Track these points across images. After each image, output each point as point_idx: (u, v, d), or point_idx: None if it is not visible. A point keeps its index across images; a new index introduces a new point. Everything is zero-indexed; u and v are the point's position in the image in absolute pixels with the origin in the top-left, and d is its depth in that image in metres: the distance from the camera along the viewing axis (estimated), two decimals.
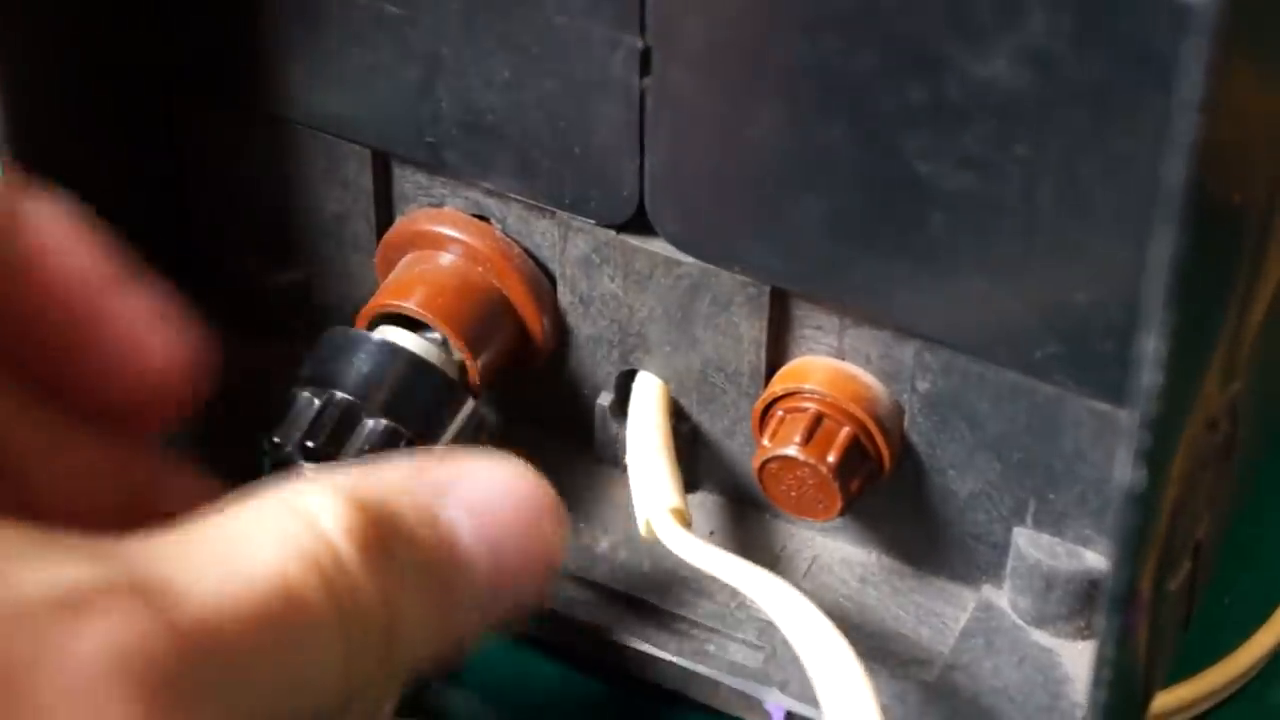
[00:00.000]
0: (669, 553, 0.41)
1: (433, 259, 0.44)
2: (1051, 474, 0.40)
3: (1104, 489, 0.40)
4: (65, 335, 0.38)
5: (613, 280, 0.42)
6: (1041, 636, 0.42)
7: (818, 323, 0.41)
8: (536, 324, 0.44)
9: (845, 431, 0.41)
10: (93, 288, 0.38)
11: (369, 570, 0.34)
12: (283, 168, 0.45)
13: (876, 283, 0.39)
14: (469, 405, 0.42)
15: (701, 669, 0.43)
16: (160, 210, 0.47)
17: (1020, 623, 0.42)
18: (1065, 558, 0.41)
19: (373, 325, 0.43)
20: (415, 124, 0.42)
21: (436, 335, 0.43)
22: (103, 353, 0.38)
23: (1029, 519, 0.41)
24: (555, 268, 0.43)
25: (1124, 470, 0.33)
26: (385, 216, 0.45)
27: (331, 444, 0.41)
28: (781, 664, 0.42)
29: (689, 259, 0.41)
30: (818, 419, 0.41)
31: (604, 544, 0.45)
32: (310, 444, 0.41)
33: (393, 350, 0.42)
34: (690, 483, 0.44)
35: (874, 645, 0.42)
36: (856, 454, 0.41)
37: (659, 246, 0.41)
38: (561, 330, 0.44)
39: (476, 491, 0.36)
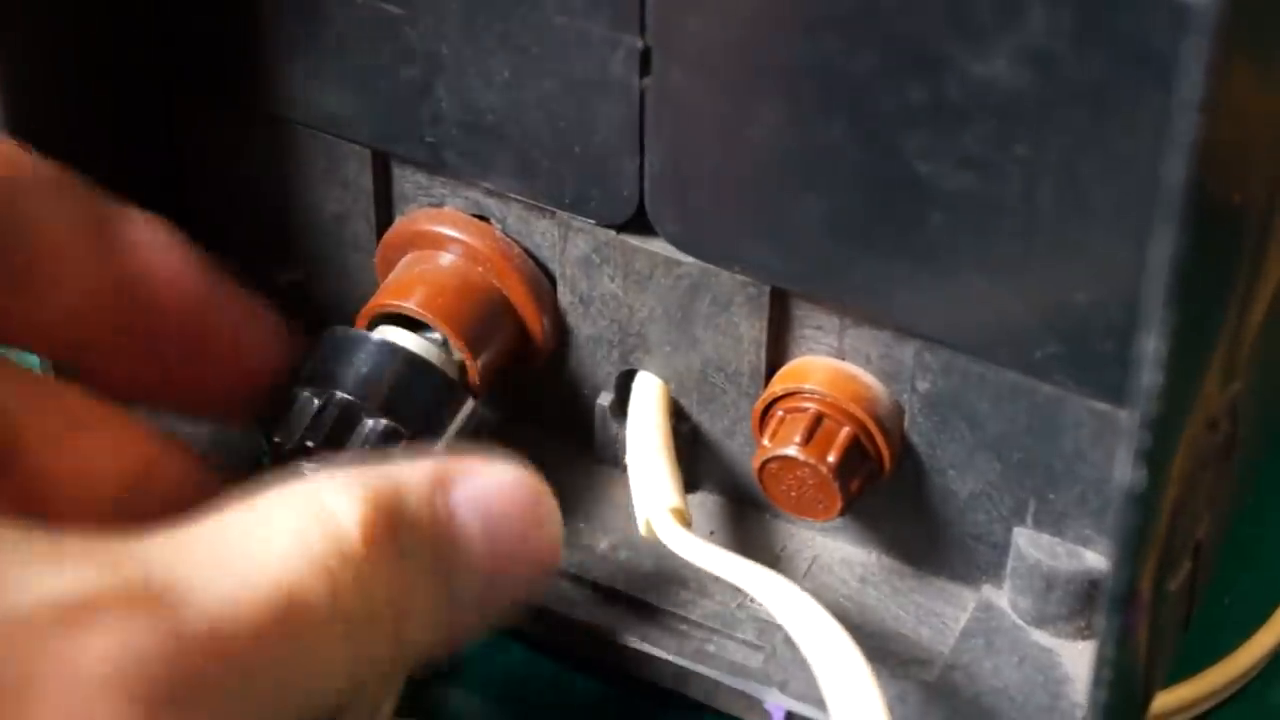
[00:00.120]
0: (669, 553, 0.41)
1: (433, 259, 0.44)
2: (1051, 474, 0.40)
3: (1104, 489, 0.40)
4: (179, 342, 0.39)
5: (613, 280, 0.42)
6: (1041, 636, 0.42)
7: (818, 323, 0.41)
8: (536, 324, 0.44)
9: (845, 431, 0.41)
10: (200, 297, 0.40)
11: (380, 567, 0.34)
12: (283, 168, 0.45)
13: (876, 283, 0.39)
14: (469, 405, 0.42)
15: (701, 669, 0.43)
16: (160, 210, 0.47)
17: (1020, 623, 0.42)
18: (1065, 558, 0.41)
19: (373, 325, 0.43)
20: (415, 124, 0.42)
21: (437, 335, 0.43)
22: (211, 355, 0.40)
23: (1029, 519, 0.41)
24: (555, 268, 0.43)
25: (1124, 470, 0.33)
26: (385, 216, 0.45)
27: (331, 443, 0.41)
28: (781, 664, 0.42)
29: (689, 259, 0.41)
30: (818, 419, 0.41)
31: (604, 544, 0.45)
32: (310, 443, 0.41)
33: (392, 350, 0.42)
34: (690, 483, 0.44)
35: (874, 645, 0.42)
36: (856, 454, 0.41)
37: (659, 246, 0.41)
38: (561, 330, 0.44)
39: (480, 490, 0.36)
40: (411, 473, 0.35)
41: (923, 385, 0.40)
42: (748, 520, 0.45)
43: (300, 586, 0.32)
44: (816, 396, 0.41)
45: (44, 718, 0.29)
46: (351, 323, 0.44)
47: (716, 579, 0.41)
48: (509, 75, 0.40)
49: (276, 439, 0.42)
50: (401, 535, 0.34)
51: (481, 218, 0.43)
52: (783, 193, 0.38)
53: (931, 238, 0.37)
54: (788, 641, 0.39)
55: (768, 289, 0.41)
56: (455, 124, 0.41)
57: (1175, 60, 0.29)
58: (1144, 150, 0.34)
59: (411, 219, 0.44)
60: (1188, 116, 0.29)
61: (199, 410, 0.41)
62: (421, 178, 0.44)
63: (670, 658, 0.43)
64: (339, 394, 0.41)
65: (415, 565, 0.34)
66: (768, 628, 0.42)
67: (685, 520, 0.42)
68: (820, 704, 0.37)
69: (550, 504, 0.37)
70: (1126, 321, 0.35)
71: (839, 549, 0.44)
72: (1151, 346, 0.31)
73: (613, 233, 0.42)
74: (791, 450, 0.41)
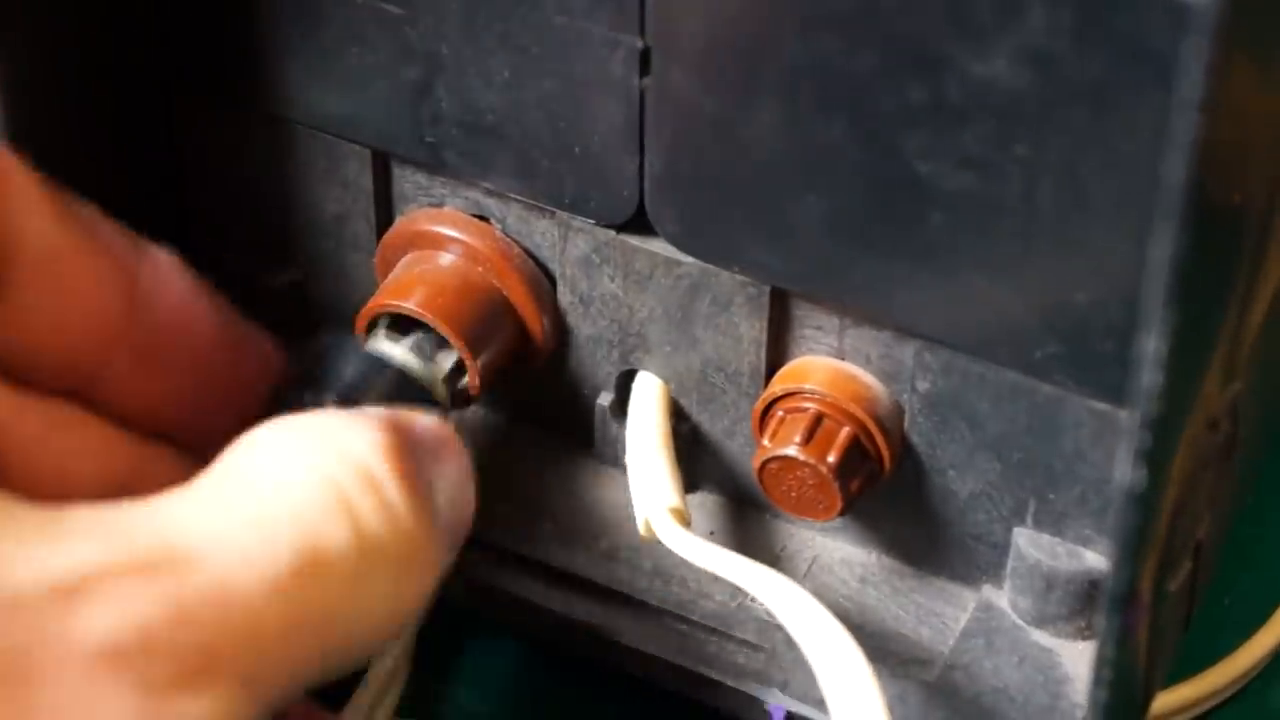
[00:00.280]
0: (669, 553, 0.41)
1: (433, 259, 0.44)
2: (1051, 474, 0.40)
3: (1104, 489, 0.40)
4: (187, 373, 0.39)
5: (613, 280, 0.42)
6: (1042, 636, 0.42)
7: (818, 323, 0.41)
8: (536, 324, 0.44)
9: (845, 431, 0.41)
10: (209, 328, 0.39)
11: (404, 489, 0.33)
12: (283, 168, 0.45)
13: (876, 283, 0.39)
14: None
15: (701, 669, 0.43)
16: (160, 210, 0.47)
17: (1020, 623, 0.42)
18: (1065, 558, 0.41)
19: (372, 325, 0.43)
20: (415, 124, 0.42)
21: (421, 342, 0.42)
22: (218, 387, 0.39)
23: (1029, 519, 0.41)
24: (555, 268, 0.43)
25: (1124, 470, 0.33)
26: (385, 216, 0.45)
27: None
28: (781, 664, 0.42)
29: (689, 259, 0.41)
30: (818, 419, 0.41)
31: (604, 544, 0.45)
32: None
33: (372, 361, 0.41)
34: (690, 483, 0.44)
35: (874, 645, 0.42)
36: (856, 454, 0.41)
37: (659, 246, 0.41)
38: (561, 330, 0.44)
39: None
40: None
41: (923, 385, 0.40)
42: (748, 520, 0.45)
43: (322, 531, 0.31)
44: (816, 396, 0.41)
45: (41, 698, 0.28)
46: (352, 323, 0.44)
47: (716, 579, 0.41)
48: (509, 75, 0.40)
49: None
50: (418, 455, 0.34)
51: (481, 218, 0.43)
52: (783, 193, 0.38)
53: (931, 238, 0.37)
54: (788, 641, 0.39)
55: (768, 289, 0.41)
56: (455, 124, 0.41)
57: (1175, 60, 0.29)
58: (1144, 150, 0.34)
59: (411, 219, 0.44)
60: (1188, 116, 0.29)
61: (200, 440, 0.39)
62: (421, 178, 0.44)
63: (670, 658, 0.43)
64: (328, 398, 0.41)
65: (433, 486, 0.34)
66: (768, 628, 0.42)
67: (685, 520, 0.42)
68: (820, 704, 0.38)
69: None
70: (1126, 321, 0.35)
71: (839, 549, 0.44)
72: (1151, 346, 0.31)
73: (613, 233, 0.42)
74: (791, 450, 0.41)
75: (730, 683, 0.43)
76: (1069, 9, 0.33)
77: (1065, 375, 0.38)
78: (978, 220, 0.37)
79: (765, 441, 0.41)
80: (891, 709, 0.36)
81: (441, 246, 0.43)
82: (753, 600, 0.43)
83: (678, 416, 0.44)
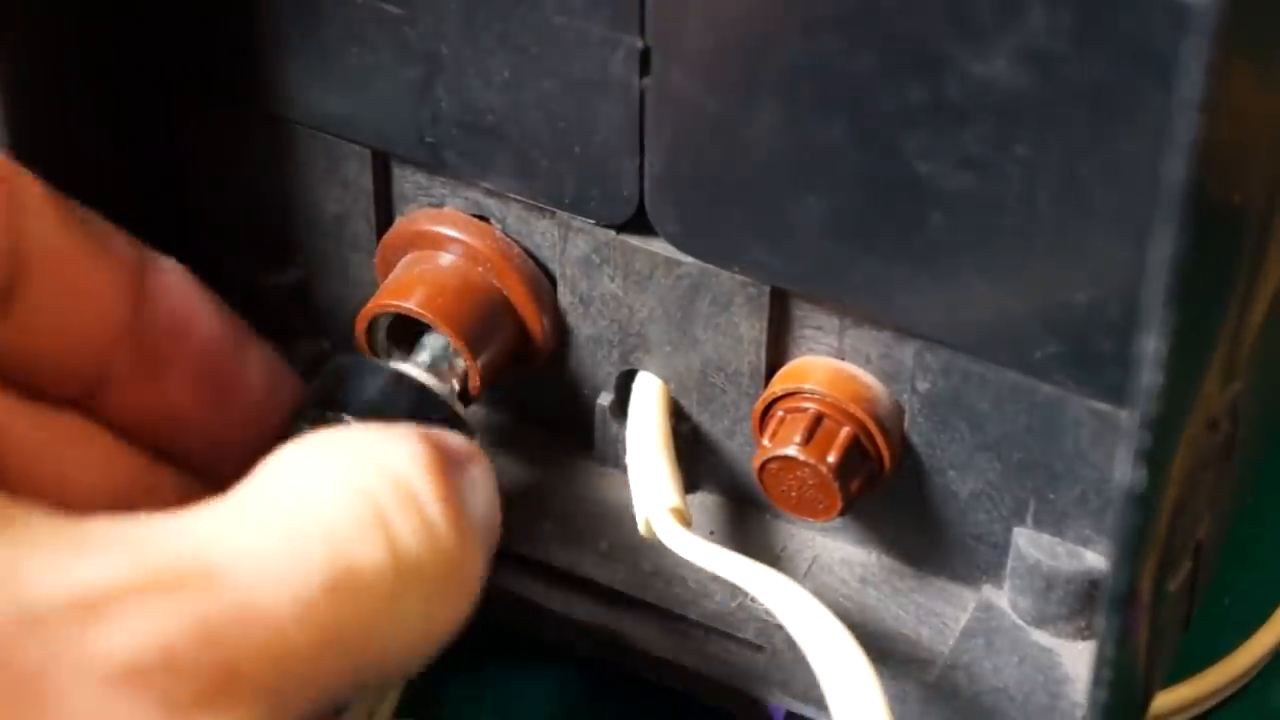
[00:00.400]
0: (669, 552, 0.41)
1: (433, 259, 0.44)
2: (1051, 474, 0.40)
3: (1104, 489, 0.40)
4: (197, 387, 0.38)
5: (613, 280, 0.42)
6: (1041, 636, 0.42)
7: (818, 323, 0.41)
8: (536, 324, 0.44)
9: (845, 431, 0.41)
10: (220, 343, 0.38)
11: (444, 506, 0.32)
12: (283, 168, 0.45)
13: (876, 283, 0.39)
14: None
15: (701, 669, 0.43)
16: (160, 210, 0.47)
17: (1020, 623, 0.42)
18: (1065, 558, 0.41)
19: (372, 325, 0.43)
20: (415, 124, 0.42)
21: (436, 359, 0.42)
22: (228, 402, 0.38)
23: (1029, 519, 0.41)
24: (555, 268, 0.43)
25: (1124, 470, 0.33)
26: (385, 216, 0.45)
27: None
28: (781, 664, 0.42)
29: (689, 259, 0.41)
30: (818, 419, 0.41)
31: (604, 544, 0.45)
32: None
33: (400, 379, 0.41)
34: (690, 483, 0.44)
35: (874, 645, 0.42)
36: (856, 454, 0.41)
37: (659, 246, 0.41)
38: (561, 330, 0.44)
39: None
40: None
41: (923, 385, 0.40)
42: (748, 520, 0.45)
43: (356, 549, 0.30)
44: (816, 396, 0.41)
45: (58, 717, 0.28)
46: (352, 324, 0.44)
47: (716, 579, 0.41)
48: (509, 75, 0.40)
49: None
50: (458, 474, 0.33)
51: (481, 218, 0.43)
52: (783, 193, 0.38)
53: (931, 238, 0.37)
54: (788, 641, 0.39)
55: (768, 289, 0.41)
56: (455, 124, 0.41)
57: (1175, 60, 0.29)
58: (1144, 150, 0.34)
59: (411, 219, 0.44)
60: (1188, 116, 0.29)
61: (206, 456, 0.39)
62: (421, 178, 0.44)
63: (670, 658, 0.43)
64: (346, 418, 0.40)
65: (470, 497, 0.33)
66: (768, 628, 0.42)
67: (685, 520, 0.42)
68: (820, 704, 0.38)
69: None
70: (1126, 321, 0.35)
71: (839, 549, 0.44)
72: (1151, 346, 0.31)
73: (613, 233, 0.42)
74: (791, 450, 0.41)
75: (730, 683, 0.43)
76: (1069, 9, 0.33)
77: (1065, 375, 0.38)
78: (978, 220, 0.37)
79: (765, 441, 0.41)
80: (891, 709, 0.36)
81: (442, 246, 0.43)
82: (753, 600, 0.43)
83: (678, 416, 0.44)
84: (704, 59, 0.38)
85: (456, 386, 0.42)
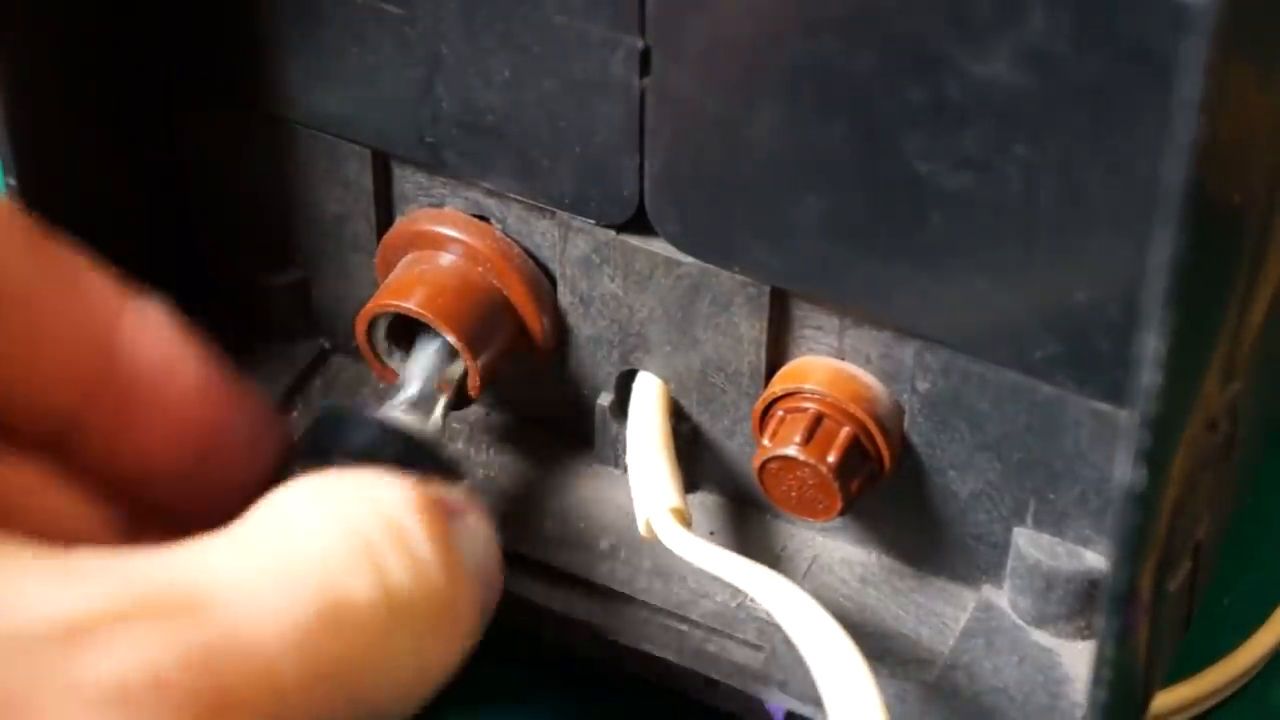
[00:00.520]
0: (669, 552, 0.41)
1: (433, 259, 0.44)
2: (1051, 474, 0.40)
3: (1104, 489, 0.40)
4: (172, 433, 0.37)
5: (613, 280, 0.42)
6: (1041, 636, 0.42)
7: (818, 323, 0.41)
8: (536, 324, 0.44)
9: (845, 431, 0.41)
10: (198, 389, 0.37)
11: (437, 549, 0.32)
12: (283, 168, 0.45)
13: (876, 283, 0.39)
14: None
15: (701, 669, 0.43)
16: (160, 210, 0.47)
17: (1020, 623, 0.42)
18: (1065, 558, 0.41)
19: (372, 325, 0.43)
20: (415, 124, 0.42)
21: (424, 403, 0.42)
22: (206, 449, 0.37)
23: (1029, 519, 0.41)
24: (555, 268, 0.43)
25: (1124, 470, 0.33)
26: (385, 216, 0.45)
27: None
28: (781, 664, 0.42)
29: (689, 259, 0.41)
30: (818, 419, 0.41)
31: (604, 544, 0.45)
32: None
33: (393, 430, 0.40)
34: (690, 483, 0.44)
35: (874, 645, 0.42)
36: (856, 454, 0.41)
37: (659, 246, 0.41)
38: (561, 330, 0.44)
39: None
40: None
41: (923, 385, 0.40)
42: (748, 520, 0.45)
43: (346, 582, 0.31)
44: (816, 396, 0.41)
45: None
46: (352, 324, 0.44)
47: (716, 579, 0.41)
48: (509, 75, 0.40)
49: None
50: (451, 520, 0.33)
51: (481, 218, 0.43)
52: (783, 193, 0.38)
53: (931, 238, 0.37)
54: (788, 641, 0.39)
55: (768, 289, 0.41)
56: (455, 124, 0.41)
57: (1175, 60, 0.29)
58: (1144, 150, 0.34)
59: (412, 219, 0.44)
60: (1188, 116, 0.29)
61: (188, 503, 0.37)
62: (421, 178, 0.44)
63: (670, 658, 0.43)
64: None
65: (465, 542, 0.33)
66: (768, 628, 0.42)
67: (685, 520, 0.42)
68: (820, 704, 0.38)
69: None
70: (1126, 321, 0.35)
71: (839, 549, 0.44)
72: (1151, 346, 0.31)
73: (613, 233, 0.42)
74: (791, 450, 0.41)
75: (730, 683, 0.43)
76: (1069, 9, 0.33)
77: (1065, 375, 0.38)
78: (978, 221, 0.37)
79: (765, 441, 0.41)
80: (891, 709, 0.36)
81: (442, 246, 0.44)
82: (753, 600, 0.43)
83: (678, 416, 0.44)
84: (704, 59, 0.38)
85: (449, 397, 0.42)
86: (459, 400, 0.43)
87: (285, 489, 0.33)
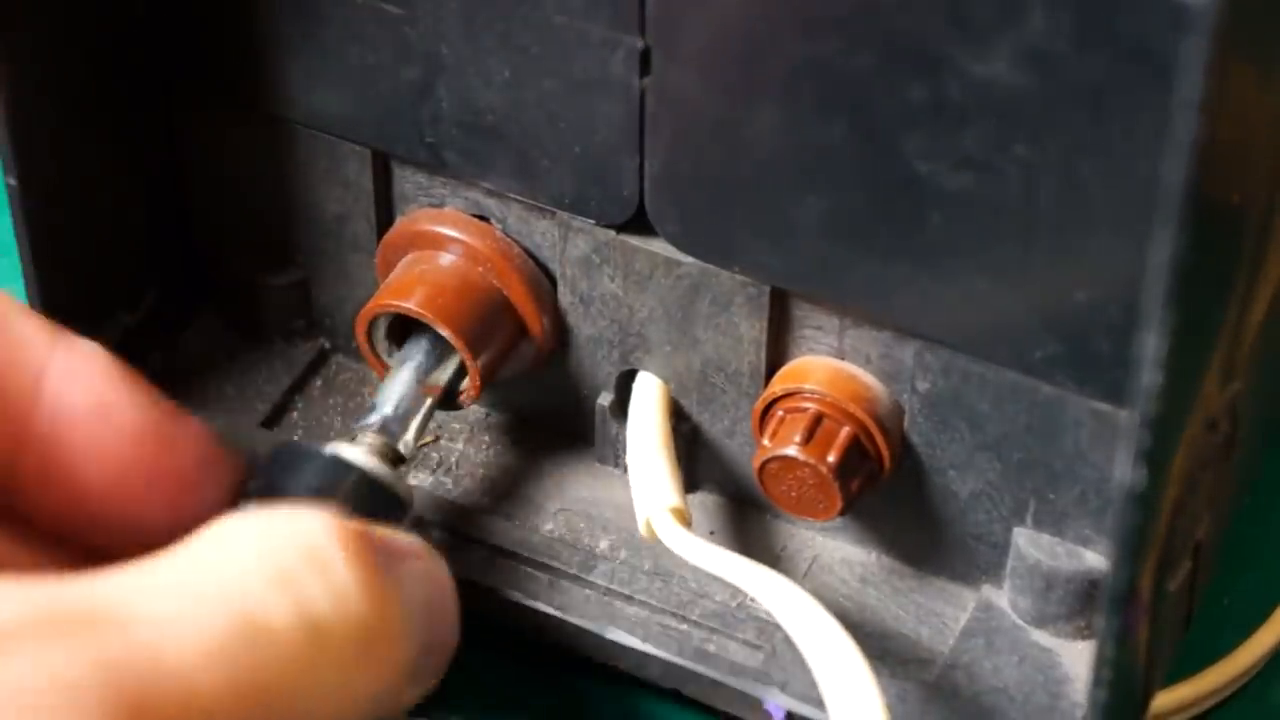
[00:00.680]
0: (669, 552, 0.41)
1: (433, 259, 0.44)
2: (1051, 474, 0.40)
3: (1104, 489, 0.40)
4: (108, 479, 0.36)
5: (613, 280, 0.42)
6: (1041, 636, 0.42)
7: (818, 323, 0.41)
8: (536, 324, 0.44)
9: (845, 431, 0.41)
10: (134, 433, 0.36)
11: (360, 575, 0.32)
12: (283, 168, 0.45)
13: (876, 283, 0.39)
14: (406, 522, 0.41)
15: (701, 669, 0.43)
16: (160, 210, 0.47)
17: (1020, 623, 0.42)
18: (1065, 558, 0.41)
19: (372, 325, 0.43)
20: (415, 124, 0.42)
21: (380, 445, 0.42)
22: (145, 493, 0.37)
23: (1029, 519, 0.41)
24: (555, 268, 0.43)
25: (1124, 470, 0.33)
26: (385, 216, 0.45)
27: None
28: (781, 664, 0.42)
29: (689, 259, 0.41)
30: (818, 419, 0.41)
31: (604, 544, 0.45)
32: None
33: (344, 466, 0.40)
34: (690, 483, 0.44)
35: (874, 645, 0.42)
36: (856, 454, 0.41)
37: (659, 246, 0.41)
38: (561, 330, 0.44)
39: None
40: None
41: (923, 385, 0.40)
42: (748, 520, 0.45)
43: (260, 602, 0.31)
44: (816, 396, 0.41)
45: None
46: (353, 324, 0.44)
47: (716, 579, 0.41)
48: (509, 75, 0.40)
49: None
50: (379, 548, 0.33)
51: (481, 218, 0.43)
52: (782, 193, 0.38)
53: (931, 238, 0.37)
54: (788, 641, 0.39)
55: (768, 289, 0.41)
56: (455, 124, 0.41)
57: (1175, 60, 0.29)
58: (1144, 150, 0.34)
59: (412, 219, 0.44)
60: (1188, 116, 0.29)
61: (134, 548, 0.36)
62: (422, 178, 0.44)
63: (671, 658, 0.43)
64: None
65: (393, 583, 0.33)
66: (768, 628, 0.42)
67: (685, 520, 0.42)
68: (820, 704, 0.38)
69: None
70: (1126, 321, 0.35)
71: (839, 549, 0.44)
72: (1151, 346, 0.31)
73: (613, 233, 0.42)
74: (791, 450, 0.41)
75: (730, 683, 0.43)
76: (1069, 9, 0.33)
77: (1065, 375, 0.38)
78: (977, 221, 0.37)
79: (765, 441, 0.41)
80: (891, 709, 0.36)
81: (442, 246, 0.43)
82: (753, 600, 0.43)
83: (678, 416, 0.44)
84: (704, 59, 0.38)
85: (435, 401, 0.42)
86: (447, 402, 0.43)
87: (217, 522, 0.33)
